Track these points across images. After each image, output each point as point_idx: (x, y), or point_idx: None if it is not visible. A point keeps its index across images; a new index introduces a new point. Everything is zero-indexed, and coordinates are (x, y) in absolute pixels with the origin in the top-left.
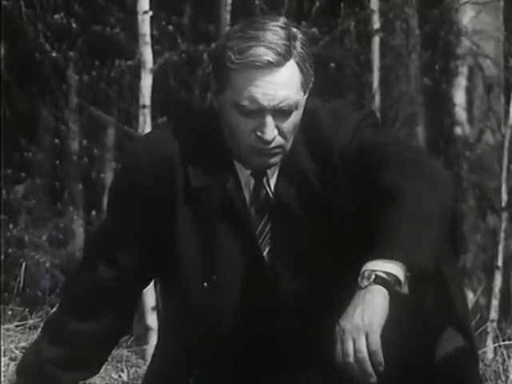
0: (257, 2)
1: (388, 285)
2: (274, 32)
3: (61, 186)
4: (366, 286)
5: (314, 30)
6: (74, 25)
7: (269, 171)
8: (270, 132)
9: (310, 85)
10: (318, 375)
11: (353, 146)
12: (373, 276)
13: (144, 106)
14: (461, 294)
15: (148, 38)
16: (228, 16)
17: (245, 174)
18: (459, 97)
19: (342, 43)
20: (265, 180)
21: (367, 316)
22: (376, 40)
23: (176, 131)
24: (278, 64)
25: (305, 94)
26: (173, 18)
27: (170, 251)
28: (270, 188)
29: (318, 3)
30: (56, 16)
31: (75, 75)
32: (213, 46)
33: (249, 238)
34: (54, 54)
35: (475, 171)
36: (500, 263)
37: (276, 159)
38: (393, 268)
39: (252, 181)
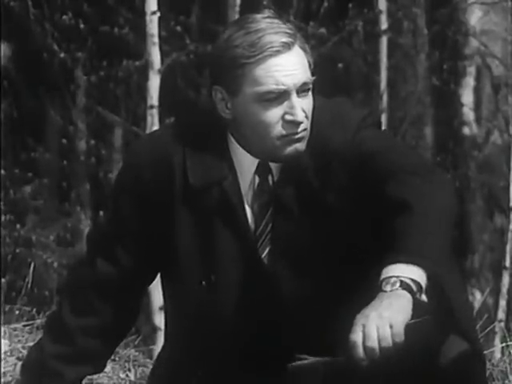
0: (265, 3)
1: (413, 292)
2: (270, 21)
3: (68, 186)
4: (390, 291)
5: (322, 30)
6: (82, 25)
7: (274, 169)
8: (300, 112)
9: (312, 67)
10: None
11: (351, 149)
12: (398, 282)
13: (152, 107)
14: (462, 297)
15: (156, 39)
16: (236, 16)
17: (249, 173)
18: (467, 97)
19: (349, 43)
20: (270, 178)
21: (393, 310)
22: (384, 40)
23: (178, 131)
24: (291, 44)
25: (312, 76)
26: (181, 19)
27: (169, 250)
28: (273, 186)
29: (326, 4)
30: (64, 16)
31: (83, 75)
32: (211, 56)
33: (246, 237)
34: (62, 55)
35: (483, 171)
36: (508, 263)
37: (303, 145)
38: (417, 275)
39: (257, 179)
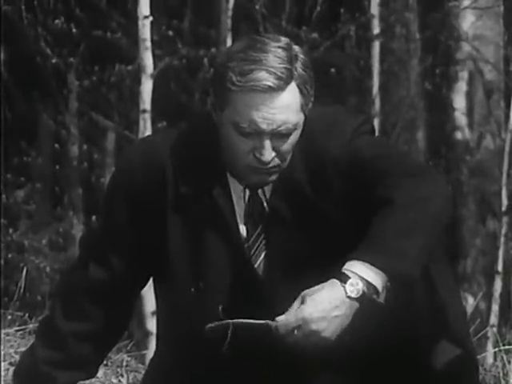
0: (257, 7)
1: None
2: (276, 54)
3: (61, 191)
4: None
5: (315, 35)
6: (74, 29)
7: None
8: (268, 154)
9: (310, 105)
10: (310, 379)
11: (347, 156)
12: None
13: (144, 111)
14: (455, 302)
15: (148, 43)
16: (229, 21)
17: (239, 185)
18: (459, 101)
19: (342, 48)
20: (260, 191)
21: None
22: (376, 45)
23: (171, 138)
24: (278, 88)
25: (304, 115)
26: (173, 23)
27: (161, 255)
28: (265, 198)
29: (318, 8)
30: (57, 21)
31: (76, 80)
32: (214, 58)
33: (237, 245)
34: (54, 59)
35: (475, 176)
36: (500, 268)
37: (273, 177)
38: (372, 277)
39: (247, 191)
